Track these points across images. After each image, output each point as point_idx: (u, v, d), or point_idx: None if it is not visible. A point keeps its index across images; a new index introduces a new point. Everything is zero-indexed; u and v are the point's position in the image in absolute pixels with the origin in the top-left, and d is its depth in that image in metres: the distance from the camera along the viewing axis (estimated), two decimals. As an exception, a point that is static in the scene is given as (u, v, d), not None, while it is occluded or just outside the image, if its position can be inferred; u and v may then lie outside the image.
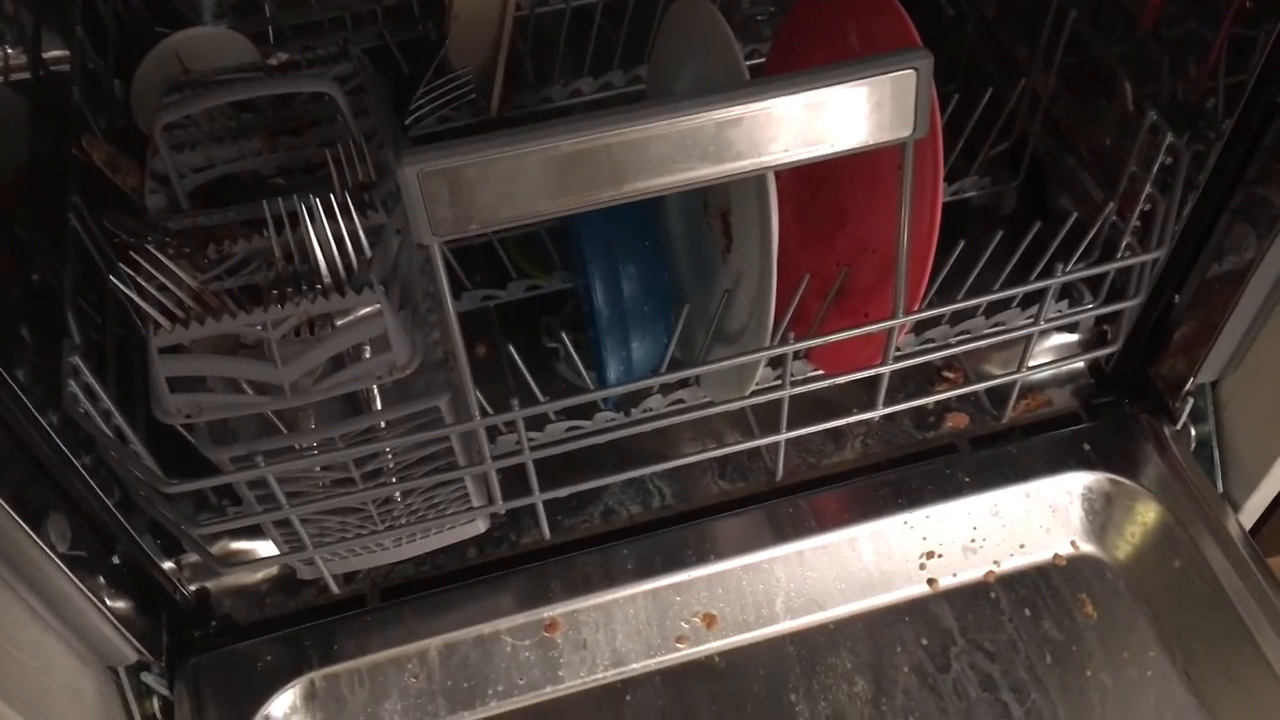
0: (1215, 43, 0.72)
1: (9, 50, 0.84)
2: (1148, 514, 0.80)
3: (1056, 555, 0.81)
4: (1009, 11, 0.94)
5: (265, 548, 0.79)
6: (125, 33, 0.95)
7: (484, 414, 0.63)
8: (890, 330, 0.68)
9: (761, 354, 0.67)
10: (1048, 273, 0.73)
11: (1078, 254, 0.75)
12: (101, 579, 0.69)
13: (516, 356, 0.67)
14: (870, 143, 0.56)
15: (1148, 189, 0.74)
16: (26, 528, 0.61)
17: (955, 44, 0.96)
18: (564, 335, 0.72)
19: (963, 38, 0.96)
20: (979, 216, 0.94)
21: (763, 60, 0.97)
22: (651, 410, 0.80)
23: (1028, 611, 0.79)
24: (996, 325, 0.83)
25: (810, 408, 0.78)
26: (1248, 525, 0.82)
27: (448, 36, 0.88)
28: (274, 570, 0.79)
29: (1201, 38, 0.73)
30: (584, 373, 0.76)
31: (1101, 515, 0.81)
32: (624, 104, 0.96)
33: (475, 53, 0.90)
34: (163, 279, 0.56)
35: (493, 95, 0.92)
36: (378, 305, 0.58)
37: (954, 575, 0.80)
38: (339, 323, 0.59)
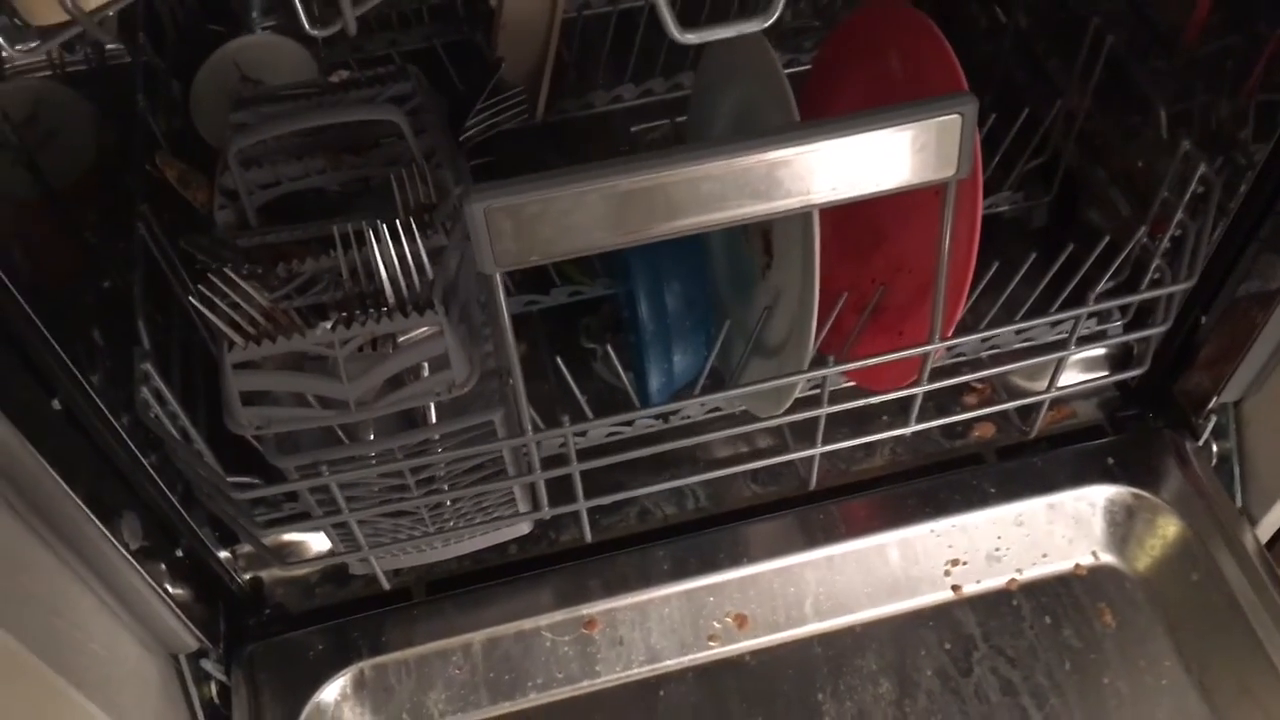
0: (1253, 71, 0.73)
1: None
2: (1168, 528, 0.83)
3: (1078, 565, 0.84)
4: (1043, 24, 0.95)
5: (318, 541, 0.83)
6: (180, 31, 0.98)
7: (535, 428, 0.66)
8: (927, 353, 0.70)
9: (801, 376, 0.70)
10: (1079, 296, 0.76)
11: (1108, 274, 0.77)
12: (166, 571, 0.73)
13: (565, 370, 0.70)
14: (915, 182, 0.58)
15: (1179, 215, 0.76)
16: (102, 526, 0.65)
17: (988, 52, 0.98)
18: (609, 347, 0.74)
19: (998, 49, 0.97)
20: (1010, 229, 0.96)
21: (802, 69, 1.00)
22: (690, 418, 0.83)
23: (1048, 619, 0.81)
24: (1025, 340, 0.86)
25: (841, 416, 0.81)
26: (1264, 540, 0.85)
27: (496, 47, 0.90)
28: (324, 563, 0.83)
29: (1239, 65, 0.75)
30: (623, 374, 0.79)
31: (1123, 527, 0.84)
32: (664, 110, 1.00)
33: (521, 59, 0.93)
34: (236, 298, 0.59)
35: (538, 100, 0.95)
36: (439, 325, 0.61)
37: (978, 582, 0.83)
38: (400, 340, 0.62)
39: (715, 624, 0.82)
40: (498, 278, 0.58)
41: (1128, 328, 0.86)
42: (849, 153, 0.56)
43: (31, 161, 0.78)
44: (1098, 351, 0.89)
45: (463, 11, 1.04)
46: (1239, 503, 0.85)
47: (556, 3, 0.88)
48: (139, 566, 0.68)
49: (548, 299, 0.88)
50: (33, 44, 0.57)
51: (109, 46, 0.94)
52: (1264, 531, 0.84)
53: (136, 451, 0.68)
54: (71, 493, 0.62)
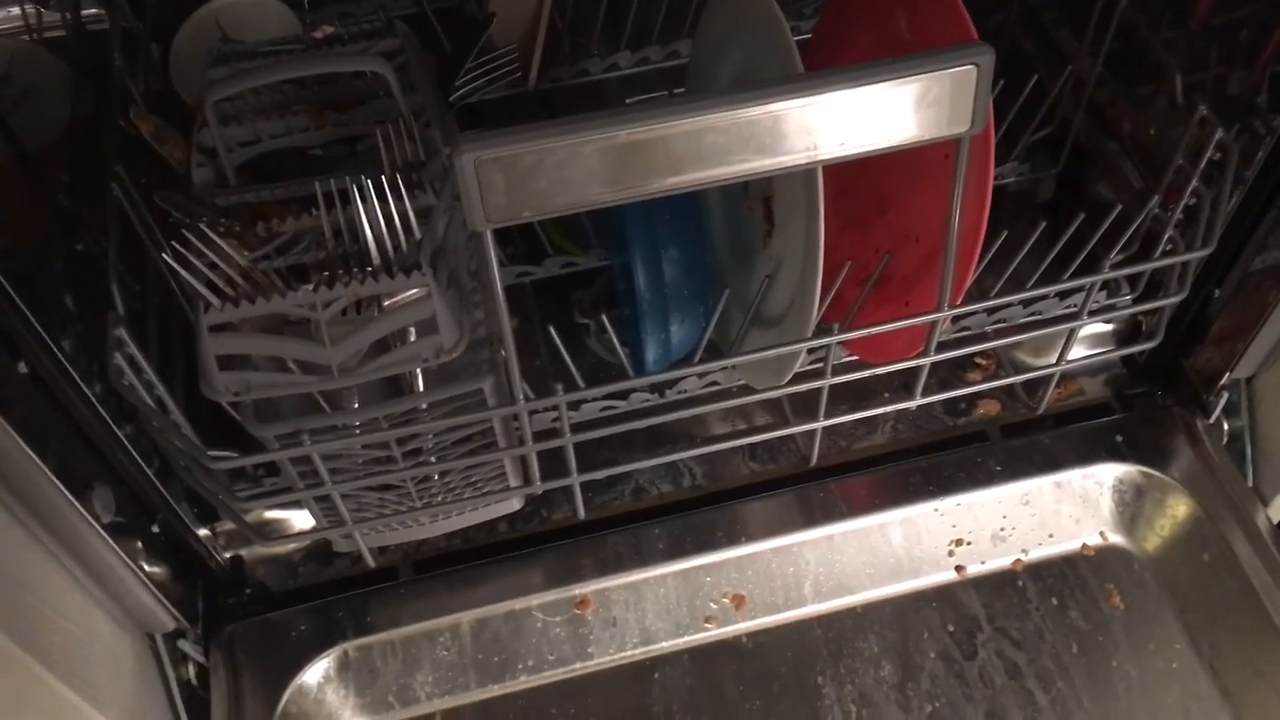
0: (1271, 36, 0.71)
1: (40, 9, 0.84)
2: (1178, 507, 0.80)
3: (1085, 545, 0.81)
4: (1052, -5, 0.93)
5: (301, 518, 0.80)
6: (160, -4, 0.94)
7: (526, 398, 0.63)
8: (934, 323, 0.67)
9: (803, 344, 0.67)
10: (1090, 266, 0.73)
11: (1119, 245, 0.75)
12: (141, 547, 0.70)
13: (559, 341, 0.67)
14: (926, 137, 0.55)
15: (1194, 183, 0.74)
16: (72, 499, 0.62)
17: (996, 23, 0.95)
18: (603, 316, 0.72)
19: (1005, 19, 0.94)
20: (1015, 202, 0.93)
21: (802, 38, 0.97)
22: (686, 392, 0.80)
23: (1055, 601, 0.79)
24: (1033, 314, 0.83)
25: (842, 391, 0.78)
26: (1277, 519, 0.82)
27: (486, 6, 0.87)
28: (307, 540, 0.80)
29: (1257, 30, 0.72)
30: (619, 349, 0.76)
31: (1131, 507, 0.82)
32: (661, 79, 0.98)
33: (514, 24, 0.90)
34: (213, 257, 0.56)
35: (530, 68, 0.92)
36: (426, 288, 0.58)
37: (982, 563, 0.81)
38: (386, 303, 0.59)
39: (712, 605, 0.79)
40: (489, 237, 0.55)
41: (1138, 301, 0.83)
42: (858, 105, 0.53)
43: (3, 122, 0.75)
44: (1105, 327, 0.87)
45: (454, -24, 1.02)
46: (1250, 482, 0.83)
47: (551, -35, 0.85)
48: (112, 542, 0.65)
49: (540, 270, 0.85)
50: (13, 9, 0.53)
51: (86, 11, 0.91)
52: (1276, 511, 0.82)
53: (110, 421, 0.65)
54: (40, 462, 0.59)
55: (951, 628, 0.78)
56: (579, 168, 0.52)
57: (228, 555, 0.80)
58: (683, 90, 0.93)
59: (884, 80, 0.53)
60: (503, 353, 0.62)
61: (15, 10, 0.88)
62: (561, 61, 0.97)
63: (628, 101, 1.00)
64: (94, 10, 0.90)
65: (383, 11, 0.98)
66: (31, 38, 0.89)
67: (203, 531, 0.78)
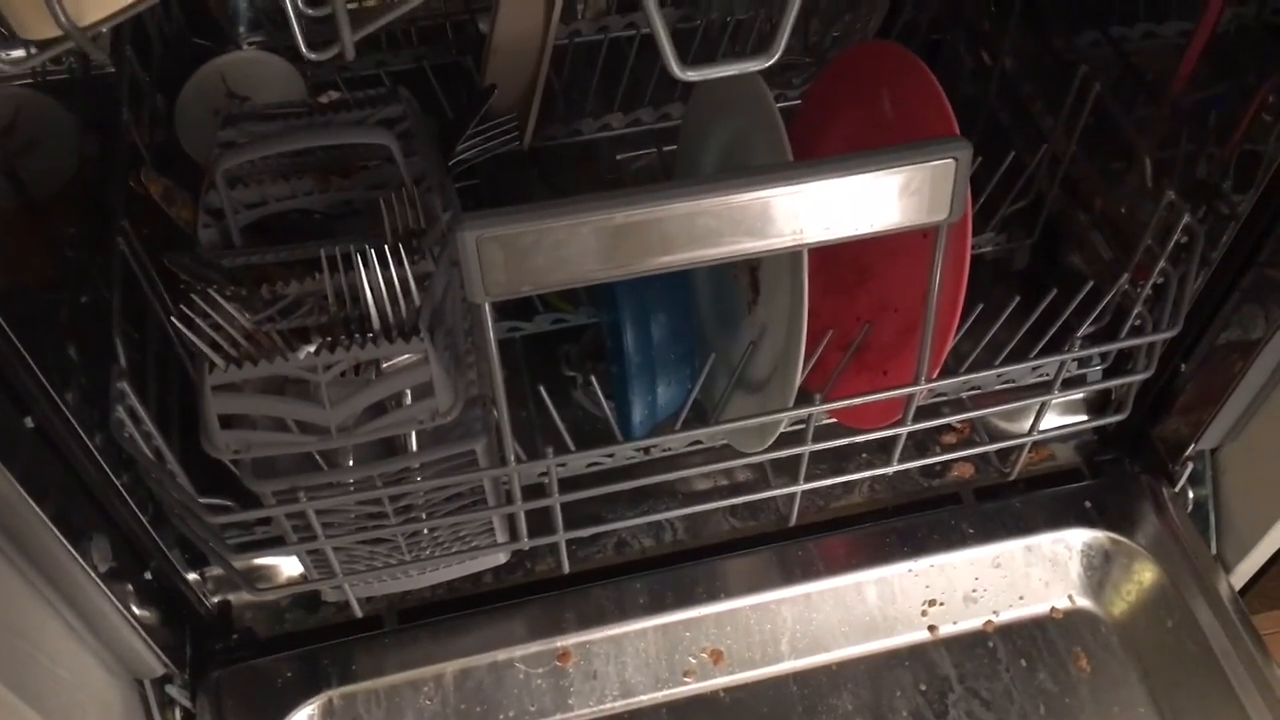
0: (1240, 122, 0.74)
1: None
2: (1144, 573, 0.83)
3: (1054, 608, 0.84)
4: (1029, 68, 0.96)
5: (289, 564, 0.81)
6: (166, 45, 0.97)
7: (517, 459, 0.65)
8: (912, 394, 0.70)
9: (785, 414, 0.69)
10: (1063, 337, 0.76)
11: (1090, 318, 0.77)
12: (133, 593, 0.71)
13: (549, 402, 0.69)
14: (907, 224, 0.58)
15: (1161, 263, 0.77)
16: (70, 548, 0.63)
17: (974, 94, 0.98)
18: (593, 378, 0.74)
19: (983, 91, 0.98)
20: (991, 270, 0.96)
21: (790, 104, 1.00)
22: (671, 450, 0.82)
23: (1024, 662, 0.81)
24: (1006, 381, 0.86)
25: (822, 451, 0.80)
26: (1238, 586, 0.85)
27: (485, 70, 0.90)
28: (296, 588, 0.81)
29: (1225, 116, 0.75)
30: (604, 403, 0.78)
31: (1099, 572, 0.84)
32: (652, 138, 1.01)
33: (511, 84, 0.92)
34: (219, 319, 0.58)
35: (526, 127, 0.94)
36: (424, 353, 0.60)
37: (954, 623, 0.83)
38: (384, 366, 0.61)
39: (691, 659, 0.81)
40: (486, 307, 0.57)
41: (1108, 373, 0.86)
42: (844, 193, 0.56)
43: (10, 171, 0.77)
44: (1077, 395, 0.90)
45: (451, 34, 1.04)
46: (1214, 549, 0.85)
47: (548, 29, 0.88)
48: (107, 590, 0.67)
49: (530, 325, 0.87)
50: (18, 53, 0.55)
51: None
52: (1238, 579, 0.85)
53: (109, 471, 0.67)
54: (41, 513, 0.61)
55: (924, 687, 0.80)
56: (576, 246, 0.55)
57: (216, 600, 0.81)
58: (673, 148, 0.96)
59: (868, 171, 0.56)
60: (495, 413, 0.64)
61: (19, 53, 0.90)
62: (556, 120, 1.00)
63: (618, 158, 1.03)
64: (102, 58, 0.92)
65: (382, 68, 1.02)
66: (37, 82, 0.91)
67: (192, 576, 0.79)
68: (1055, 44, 0.93)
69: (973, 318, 0.75)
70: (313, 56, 0.48)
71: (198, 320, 0.58)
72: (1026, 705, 0.79)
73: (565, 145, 1.01)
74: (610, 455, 0.79)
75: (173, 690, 0.75)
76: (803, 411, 0.69)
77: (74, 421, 0.63)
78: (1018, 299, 0.77)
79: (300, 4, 0.47)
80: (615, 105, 1.00)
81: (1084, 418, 0.89)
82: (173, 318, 0.58)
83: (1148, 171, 0.81)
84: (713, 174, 0.79)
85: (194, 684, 0.77)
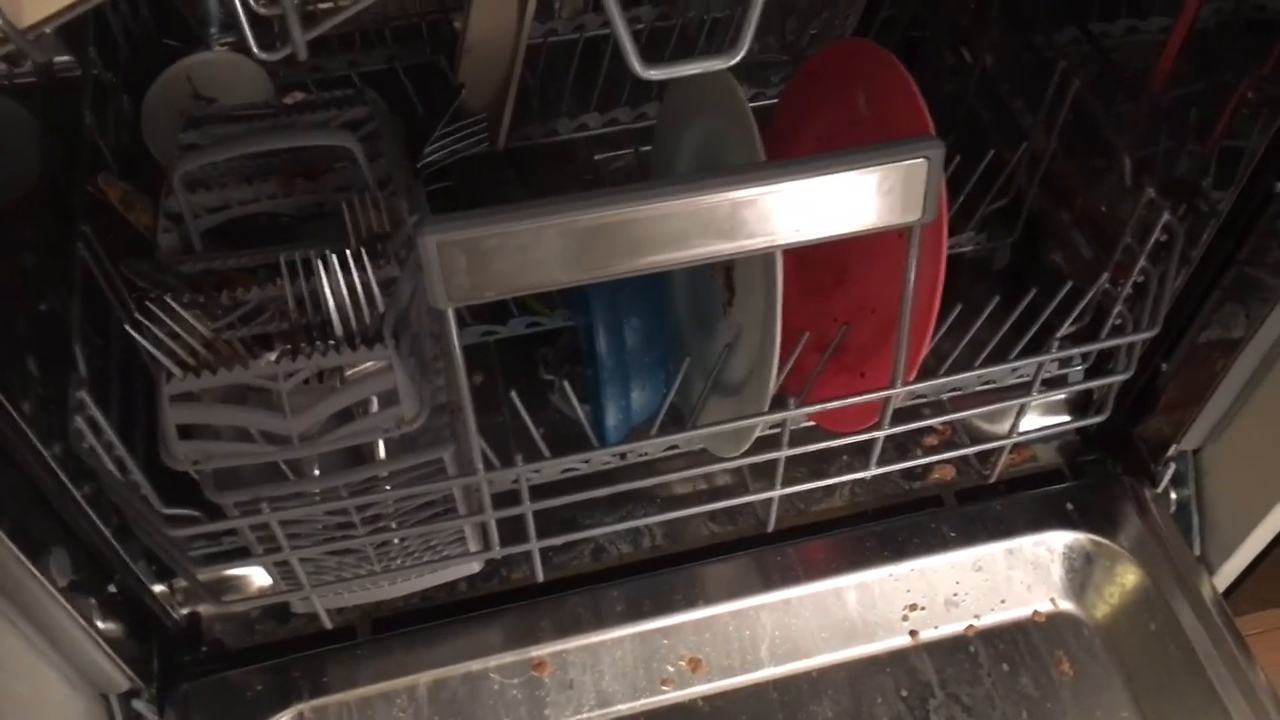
0: (1219, 119, 0.73)
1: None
2: (1126, 575, 0.82)
3: (1036, 612, 0.83)
4: (1009, 65, 0.95)
5: (258, 576, 0.80)
6: (134, 46, 0.95)
7: (488, 466, 0.64)
8: (888, 398, 0.69)
9: (761, 419, 0.68)
10: (1041, 341, 0.75)
11: (1070, 318, 0.76)
12: (97, 606, 0.69)
13: (521, 407, 0.68)
14: (880, 225, 0.57)
15: (1141, 262, 0.76)
16: (27, 562, 0.62)
17: (953, 91, 0.97)
18: (565, 381, 0.73)
19: (963, 88, 0.97)
20: (972, 269, 0.95)
21: (768, 102, 0.99)
22: (647, 455, 0.81)
23: (1005, 667, 0.80)
24: (987, 382, 0.85)
25: (800, 455, 0.79)
26: (1222, 588, 0.84)
27: (459, 69, 0.88)
28: (264, 600, 0.80)
29: (1204, 113, 0.75)
30: (578, 407, 0.77)
31: (1081, 574, 0.83)
32: (629, 137, 0.99)
33: (484, 84, 0.91)
34: (176, 328, 0.57)
35: (500, 128, 0.93)
36: (388, 360, 0.59)
37: (935, 628, 0.82)
38: (348, 374, 0.60)
39: (669, 667, 0.80)
40: (450, 313, 0.56)
41: (1089, 373, 0.86)
42: (814, 194, 0.55)
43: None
44: (1058, 396, 0.89)
45: (426, 33, 1.03)
46: (1197, 551, 0.84)
47: (522, 28, 0.87)
48: (68, 605, 0.65)
49: (505, 329, 0.86)
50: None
51: (58, 60, 0.91)
52: (1221, 581, 0.84)
53: (68, 483, 0.65)
54: (-3, 527, 0.59)
55: (905, 693, 0.79)
56: (541, 250, 0.53)
57: (184, 612, 0.80)
58: (649, 148, 0.95)
59: (839, 171, 0.54)
60: (463, 419, 0.63)
61: (-17, 55, 0.88)
62: (531, 120, 0.98)
63: (596, 159, 1.01)
64: (66, 58, 0.91)
65: (354, 69, 1.01)
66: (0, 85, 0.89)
67: (159, 588, 0.78)
68: (1035, 41, 0.92)
69: (952, 318, 0.74)
70: (263, 56, 0.47)
71: (154, 328, 0.57)
72: (1009, 710, 0.78)
73: (542, 145, 0.99)
74: (586, 461, 0.78)
75: (139, 705, 0.74)
76: (779, 416, 0.68)
77: (30, 432, 0.61)
78: (997, 299, 0.75)
79: (252, 3, 0.46)
80: (592, 105, 0.99)
81: (1065, 418, 0.88)
82: (128, 326, 0.56)
83: (1127, 169, 0.80)
84: (683, 174, 0.77)
85: (162, 698, 0.75)
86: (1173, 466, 0.84)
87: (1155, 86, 0.81)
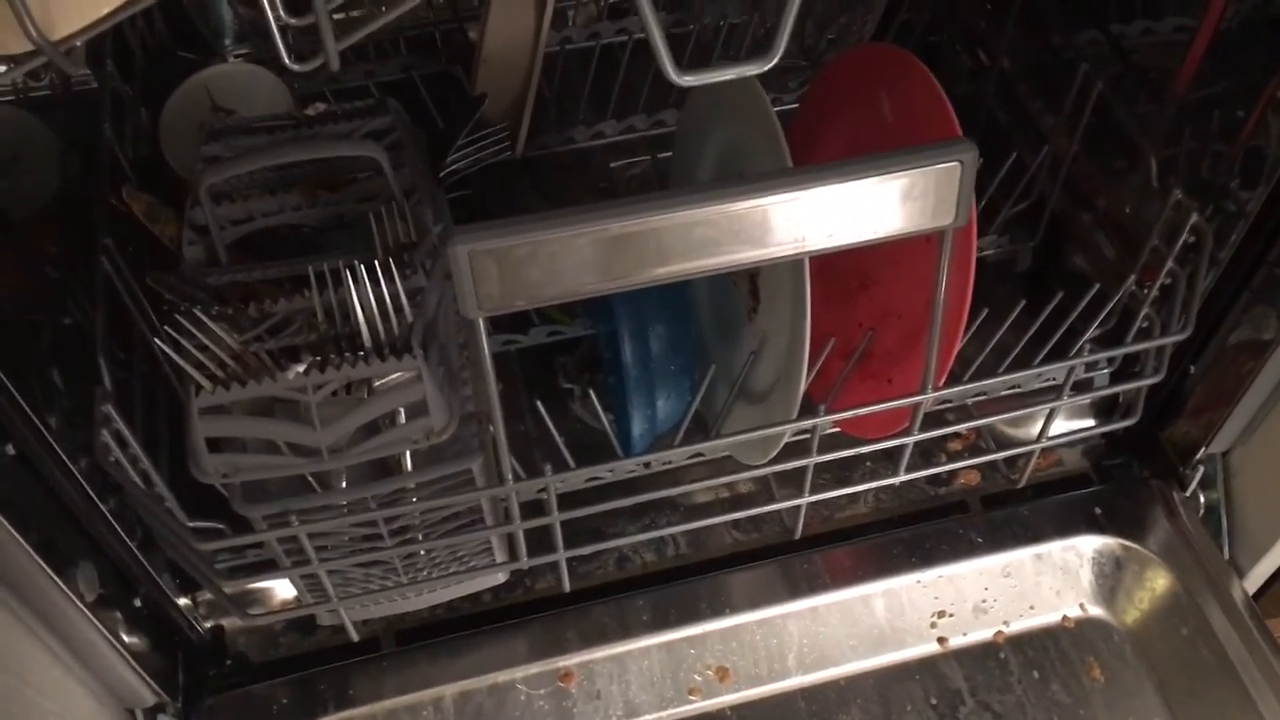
0: (1248, 119, 0.73)
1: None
2: (1156, 580, 0.81)
3: (1065, 617, 0.82)
4: (1027, 67, 0.95)
5: (283, 588, 0.80)
6: (150, 59, 0.95)
7: (515, 477, 0.64)
8: (919, 403, 0.68)
9: (789, 425, 0.68)
10: (1069, 340, 0.74)
11: (1096, 321, 0.76)
12: (122, 620, 0.69)
13: (548, 417, 0.68)
14: (912, 230, 0.56)
15: (1169, 264, 0.75)
16: (55, 576, 0.61)
17: (971, 94, 0.97)
18: (591, 391, 0.72)
19: (981, 90, 0.96)
20: (994, 272, 0.94)
21: (787, 108, 0.98)
22: (671, 463, 0.81)
23: (1036, 673, 0.80)
24: (1012, 387, 0.85)
25: (826, 461, 0.78)
26: (1252, 591, 0.83)
27: (476, 78, 0.88)
28: (289, 613, 0.79)
29: (1230, 113, 0.74)
30: (602, 416, 0.76)
31: (1111, 579, 0.83)
32: (646, 145, 0.99)
33: (502, 93, 0.91)
34: (205, 340, 0.56)
35: (518, 137, 0.93)
36: (417, 370, 0.58)
37: (964, 635, 0.81)
38: (376, 385, 0.59)
39: (696, 677, 0.79)
40: (480, 322, 0.55)
41: (1115, 377, 0.85)
42: (846, 199, 0.54)
43: (-12, 189, 0.75)
44: (1084, 400, 0.88)
45: (440, 42, 1.03)
46: (1227, 554, 0.84)
47: (539, 37, 0.86)
48: (95, 619, 0.65)
49: (526, 338, 0.86)
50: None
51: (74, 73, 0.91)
52: (1252, 584, 0.83)
53: (94, 497, 0.65)
54: (24, 541, 0.59)
55: (934, 700, 0.79)
56: (571, 259, 0.53)
57: (208, 625, 0.79)
58: (668, 155, 0.94)
59: (871, 176, 0.54)
60: (491, 430, 0.62)
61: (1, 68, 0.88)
62: (548, 128, 0.98)
63: (611, 166, 1.01)
64: (83, 73, 0.91)
65: (371, 79, 1.00)
66: (18, 99, 0.89)
67: (183, 601, 0.77)
68: (1053, 43, 0.91)
69: (978, 322, 0.73)
70: (296, 68, 0.46)
71: (183, 341, 0.57)
72: (1040, 717, 0.77)
73: (558, 154, 0.99)
74: (610, 470, 0.77)
75: (165, 719, 0.73)
76: (808, 423, 0.68)
77: (57, 446, 0.61)
78: (1023, 303, 0.75)
79: (282, 14, 0.46)
80: (608, 112, 0.98)
81: (1092, 422, 0.87)
82: (157, 339, 0.56)
83: (1153, 170, 0.79)
84: (710, 182, 0.77)
85: (187, 712, 0.75)
86: (1201, 469, 0.83)
87: (1179, 87, 0.80)
